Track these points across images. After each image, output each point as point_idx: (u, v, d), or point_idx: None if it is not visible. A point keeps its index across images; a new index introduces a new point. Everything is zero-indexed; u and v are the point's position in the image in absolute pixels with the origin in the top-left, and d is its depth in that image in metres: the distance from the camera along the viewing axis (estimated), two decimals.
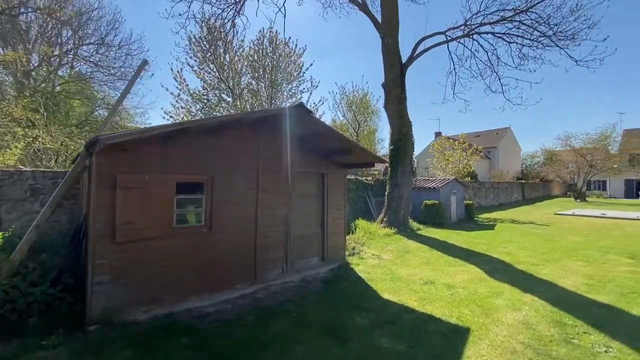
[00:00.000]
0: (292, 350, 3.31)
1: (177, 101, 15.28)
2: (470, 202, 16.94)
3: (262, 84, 16.69)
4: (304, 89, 17.41)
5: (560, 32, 10.57)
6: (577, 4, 10.35)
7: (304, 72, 17.19)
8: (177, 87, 15.13)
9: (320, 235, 6.63)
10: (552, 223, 14.39)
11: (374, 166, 8.04)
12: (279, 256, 5.70)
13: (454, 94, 13.93)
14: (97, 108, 16.97)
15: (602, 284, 5.42)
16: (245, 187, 5.23)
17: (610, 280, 5.62)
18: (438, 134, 39.81)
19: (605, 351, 3.27)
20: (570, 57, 10.66)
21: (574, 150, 35.17)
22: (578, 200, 32.03)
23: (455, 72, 13.29)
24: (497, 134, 50.33)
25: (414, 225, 12.25)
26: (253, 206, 5.30)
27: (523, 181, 37.13)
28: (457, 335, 3.59)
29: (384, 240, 9.66)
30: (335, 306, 4.48)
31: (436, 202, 13.71)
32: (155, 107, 48.59)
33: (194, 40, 15.02)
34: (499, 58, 12.19)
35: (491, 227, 13.22)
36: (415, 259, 7.28)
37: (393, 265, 6.73)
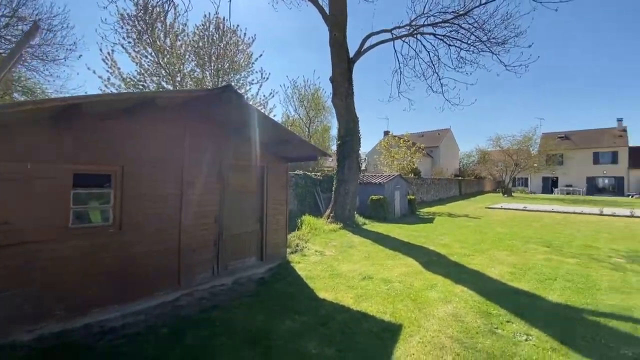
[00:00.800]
0: None
1: (106, 86, 13.47)
2: (413, 197, 17.74)
3: (208, 72, 15.52)
4: (253, 80, 16.59)
5: (493, 38, 11.37)
6: (507, 13, 11.24)
7: (254, 63, 16.38)
8: (107, 70, 13.33)
9: (259, 233, 6.18)
10: (483, 216, 15.65)
11: (316, 159, 7.79)
12: (209, 257, 5.13)
13: (399, 92, 14.35)
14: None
15: (523, 272, 5.82)
16: (166, 180, 4.56)
17: (530, 268, 6.07)
18: (386, 133, 41.40)
19: (526, 339, 3.38)
20: (501, 62, 11.54)
21: (503, 151, 39.23)
22: (505, 195, 35.80)
23: (401, 72, 13.67)
24: (438, 134, 53.95)
25: (360, 220, 12.38)
26: (176, 202, 4.66)
27: (460, 178, 40.37)
28: (389, 334, 3.45)
29: (329, 235, 9.52)
30: (266, 310, 4.10)
31: (381, 197, 14.04)
32: (81, 92, 43.20)
33: (127, 18, 13.33)
34: (439, 59, 12.78)
35: (431, 220, 13.91)
36: (358, 254, 7.21)
37: (334, 262, 6.56)
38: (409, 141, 26.40)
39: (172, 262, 4.60)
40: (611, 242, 9.01)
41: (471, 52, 12.03)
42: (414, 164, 26.32)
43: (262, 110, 12.28)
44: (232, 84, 15.93)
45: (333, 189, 12.31)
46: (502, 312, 4.05)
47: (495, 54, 11.54)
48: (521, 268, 6.07)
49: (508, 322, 3.77)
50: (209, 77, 15.45)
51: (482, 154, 46.45)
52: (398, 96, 14.36)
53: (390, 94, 22.35)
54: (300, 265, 6.29)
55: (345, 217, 11.53)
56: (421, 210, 18.36)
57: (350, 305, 4.27)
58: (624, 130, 43.65)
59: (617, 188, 41.01)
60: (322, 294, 4.68)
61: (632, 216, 15.96)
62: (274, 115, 20.75)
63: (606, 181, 42.19)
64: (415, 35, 12.41)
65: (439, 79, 13.03)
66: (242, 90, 16.04)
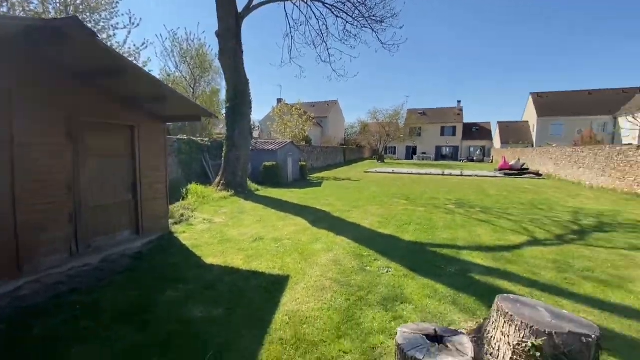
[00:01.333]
0: (66, 352, 2.45)
1: None
2: (305, 163, 18.61)
3: (51, 7, 11.65)
4: (118, 23, 13.38)
5: (373, 15, 12.34)
6: None
7: (118, 1, 13.11)
8: None
9: (133, 203, 5.37)
10: (362, 179, 17.86)
11: (199, 120, 7.13)
12: (62, 235, 4.20)
13: (290, 58, 14.24)
14: None
15: (388, 221, 7.04)
16: None
17: (393, 217, 7.39)
18: (279, 101, 41.16)
19: (387, 272, 4.16)
20: (379, 39, 12.74)
21: (378, 123, 44.92)
22: (379, 161, 41.56)
23: (292, 36, 13.47)
24: (327, 105, 56.87)
25: (253, 186, 12.29)
26: (5, 169, 3.55)
27: (345, 147, 44.38)
28: (278, 286, 3.68)
29: (219, 203, 9.14)
30: (143, 285, 3.72)
31: (274, 163, 14.19)
32: None
33: None
34: (328, 29, 13.15)
35: (319, 184, 15.02)
36: (249, 219, 7.22)
37: (225, 228, 6.40)
38: (300, 109, 27.05)
39: (5, 245, 3.58)
40: (447, 194, 11.77)
41: (355, 27, 12.81)
42: (305, 132, 27.35)
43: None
44: (90, 24, 12.55)
45: (223, 155, 11.67)
46: (371, 252, 4.85)
47: (375, 32, 12.64)
48: (387, 218, 7.33)
49: (375, 260, 4.55)
50: (53, 14, 11.65)
51: (363, 126, 51.95)
52: (290, 62, 14.28)
53: (282, 58, 21.97)
54: (186, 235, 5.88)
55: (237, 184, 11.22)
56: (312, 175, 19.50)
57: (240, 266, 4.31)
58: (461, 109, 55.79)
59: (454, 155, 53.15)
60: (209, 260, 4.54)
61: (461, 175, 21.07)
62: (150, 71, 17.51)
63: (448, 149, 53.91)
64: (305, 0, 12.30)
65: (327, 49, 13.49)
66: (104, 36, 12.83)
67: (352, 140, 57.20)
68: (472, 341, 1.89)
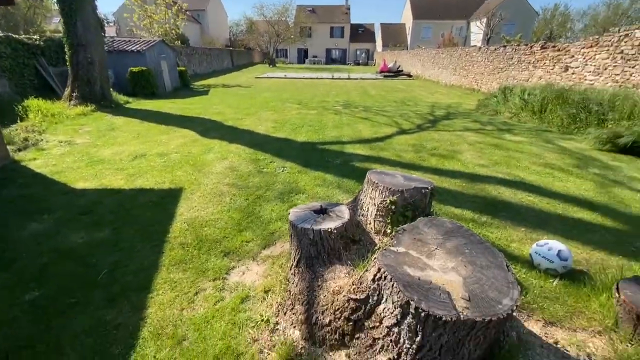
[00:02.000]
0: None
1: None
2: (184, 68, 16.03)
3: None
4: None
5: None
6: None
7: None
8: None
9: None
10: (253, 85, 16.83)
11: (14, 3, 5.01)
12: None
13: None
14: None
15: (282, 125, 7.14)
16: None
17: (287, 121, 7.51)
18: None
19: (282, 171, 4.42)
20: None
21: (266, 21, 40.45)
22: (271, 65, 39.13)
23: None
24: None
25: (122, 98, 10.17)
26: None
27: (231, 49, 39.45)
28: (170, 199, 3.53)
29: (77, 121, 7.39)
30: None
31: (144, 68, 11.72)
32: None
33: None
34: None
35: (206, 92, 13.51)
36: (124, 136, 6.18)
37: (92, 148, 5.37)
38: None
39: None
40: (336, 97, 12.38)
41: None
42: (178, 29, 22.62)
43: None
44: None
45: (67, 58, 8.89)
46: (267, 156, 4.99)
47: None
48: (281, 122, 7.40)
49: (271, 162, 4.73)
50: None
51: (250, 23, 46.08)
52: None
53: None
54: (39, 161, 4.73)
55: (98, 96, 9.05)
56: (195, 83, 17.21)
57: (122, 186, 3.86)
58: (349, 8, 54.46)
59: (343, 58, 54.01)
60: (80, 185, 3.89)
61: (348, 79, 22.08)
62: None
63: (337, 52, 54.13)
64: None
65: None
66: None
67: (240, 42, 51.06)
68: (349, 209, 2.33)
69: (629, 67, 7.05)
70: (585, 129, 6.19)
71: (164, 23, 20.86)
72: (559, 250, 2.22)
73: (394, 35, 50.17)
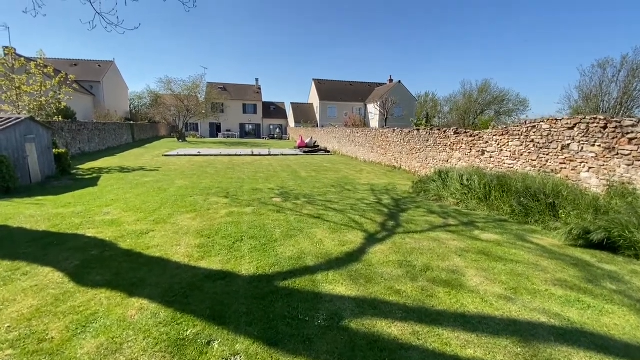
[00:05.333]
0: None
1: None
2: (64, 150, 12.59)
3: None
4: None
5: None
6: None
7: None
8: None
9: None
10: (161, 166, 14.26)
11: None
12: None
13: None
14: None
15: (210, 240, 5.13)
16: None
17: (217, 232, 5.51)
18: (7, 49, 26.56)
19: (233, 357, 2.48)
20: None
21: (175, 95, 38.88)
22: (180, 140, 36.39)
23: None
24: (99, 66, 43.66)
25: None
26: None
27: (132, 122, 35.73)
28: None
29: None
30: None
31: None
32: None
33: None
34: None
35: (94, 181, 10.42)
36: None
37: None
38: (47, 67, 18.14)
39: None
40: (267, 181, 10.98)
41: None
42: (60, 102, 18.83)
43: None
44: None
45: None
46: (197, 325, 2.93)
47: None
48: (208, 235, 5.37)
49: (207, 344, 2.71)
50: None
51: (155, 97, 43.55)
52: None
53: None
54: None
55: None
56: (81, 167, 13.68)
57: None
58: (260, 88, 57.75)
59: (257, 132, 55.08)
60: None
61: (270, 155, 21.36)
62: None
63: (251, 127, 55.07)
64: None
65: None
66: None
67: (142, 115, 47.26)
68: None
69: (543, 154, 7.80)
70: (541, 220, 6.13)
71: (39, 96, 17.06)
72: None
73: (304, 113, 54.37)
